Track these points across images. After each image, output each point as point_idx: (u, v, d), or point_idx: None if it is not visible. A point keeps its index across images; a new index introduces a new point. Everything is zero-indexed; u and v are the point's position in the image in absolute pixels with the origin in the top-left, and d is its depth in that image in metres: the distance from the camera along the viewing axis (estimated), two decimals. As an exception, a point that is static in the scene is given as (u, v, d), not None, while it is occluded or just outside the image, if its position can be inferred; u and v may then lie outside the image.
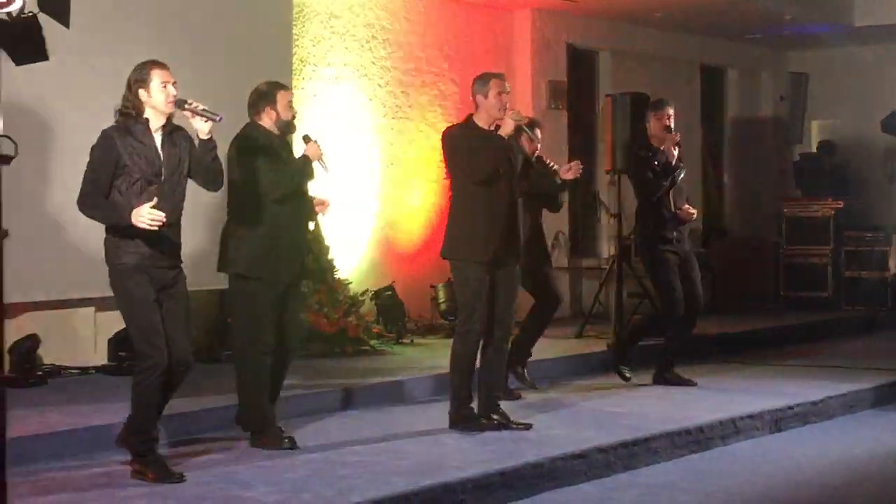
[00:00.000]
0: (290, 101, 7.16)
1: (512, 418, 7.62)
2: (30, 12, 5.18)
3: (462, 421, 7.55)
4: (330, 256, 10.59)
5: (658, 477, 7.05)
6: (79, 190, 6.21)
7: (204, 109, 6.20)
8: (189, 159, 6.34)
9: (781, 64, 16.75)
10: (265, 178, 6.92)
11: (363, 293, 10.82)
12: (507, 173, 7.43)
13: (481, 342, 7.52)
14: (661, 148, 9.29)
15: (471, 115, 7.58)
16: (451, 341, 7.77)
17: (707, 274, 14.02)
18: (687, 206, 9.49)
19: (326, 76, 11.25)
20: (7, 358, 6.39)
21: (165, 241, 6.23)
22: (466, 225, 7.43)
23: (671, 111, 9.45)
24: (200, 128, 6.23)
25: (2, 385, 5.02)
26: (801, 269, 14.95)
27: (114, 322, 9.21)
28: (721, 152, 16.31)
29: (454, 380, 7.61)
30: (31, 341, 8.52)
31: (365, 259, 11.54)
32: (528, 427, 7.57)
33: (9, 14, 5.05)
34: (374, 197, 11.74)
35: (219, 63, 9.50)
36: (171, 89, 6.19)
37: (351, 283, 10.76)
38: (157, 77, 6.16)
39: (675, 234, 9.39)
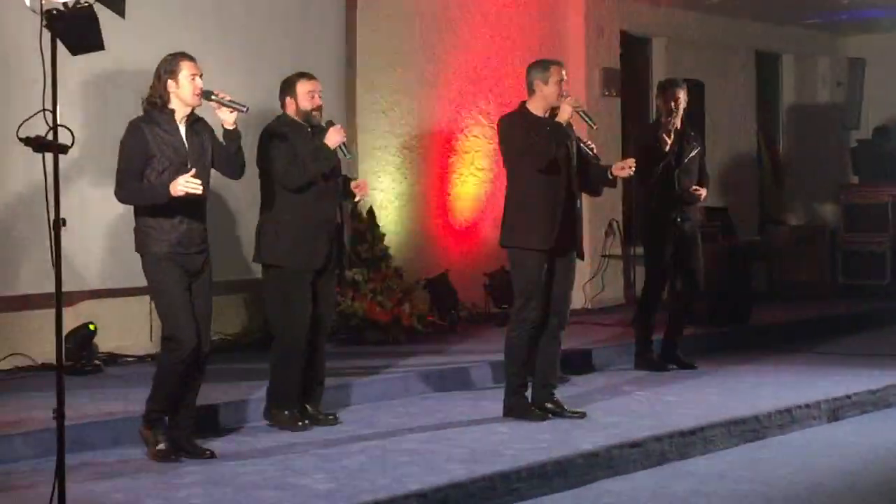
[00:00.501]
0: (312, 91, 7.20)
1: (566, 407, 7.60)
2: (86, 2, 5.21)
3: (517, 409, 7.54)
4: (384, 245, 10.61)
5: (714, 466, 7.00)
6: (116, 185, 6.35)
7: (231, 100, 6.36)
8: (212, 148, 6.48)
9: (838, 49, 16.58)
10: (278, 170, 7.06)
11: (417, 281, 10.83)
12: (564, 161, 7.41)
13: (536, 330, 7.50)
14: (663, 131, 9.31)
15: (524, 103, 7.55)
16: (504, 329, 7.76)
17: (763, 262, 13.98)
18: (696, 186, 9.37)
19: (379, 64, 11.24)
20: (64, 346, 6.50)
21: (194, 228, 6.37)
22: (525, 213, 7.40)
23: (681, 94, 9.38)
24: (226, 118, 6.41)
25: (60, 373, 5.08)
26: (858, 257, 14.78)
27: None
28: (777, 139, 16.18)
29: (508, 368, 7.60)
30: (88, 330, 8.60)
31: (418, 248, 11.53)
32: (582, 415, 7.55)
33: (65, 4, 5.09)
34: (427, 186, 11.73)
35: (273, 54, 9.53)
36: (199, 81, 6.35)
37: (405, 271, 10.77)
38: (185, 69, 6.33)
39: (677, 214, 9.30)
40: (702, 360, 9.93)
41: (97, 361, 8.48)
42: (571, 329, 10.72)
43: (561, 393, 7.78)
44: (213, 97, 6.35)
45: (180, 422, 6.51)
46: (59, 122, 5.00)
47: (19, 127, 5.01)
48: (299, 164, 7.05)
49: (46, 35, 4.95)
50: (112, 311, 8.92)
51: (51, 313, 5.09)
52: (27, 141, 5.03)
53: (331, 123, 7.19)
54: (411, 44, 11.55)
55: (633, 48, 13.95)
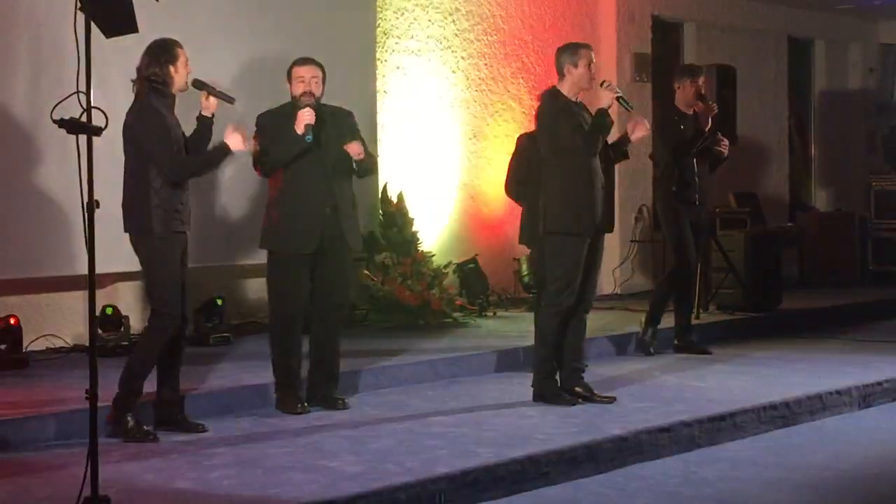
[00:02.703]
0: (302, 77, 7.17)
1: (595, 391, 7.60)
2: (119, -16, 5.23)
3: (547, 394, 7.54)
4: (414, 229, 10.62)
5: (743, 452, 6.98)
6: (168, 168, 6.43)
7: (221, 91, 6.54)
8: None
9: (870, 35, 16.47)
10: (262, 155, 7.17)
11: (446, 266, 10.83)
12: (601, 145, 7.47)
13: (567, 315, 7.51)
14: (693, 113, 9.40)
15: (555, 87, 7.54)
16: (532, 314, 7.75)
17: (793, 248, 13.93)
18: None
19: (409, 48, 11.25)
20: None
21: (185, 207, 6.52)
22: (567, 200, 7.38)
23: (701, 80, 9.52)
24: (208, 105, 6.57)
25: (92, 353, 5.10)
26: (889, 244, 14.69)
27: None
28: (808, 125, 16.09)
29: (539, 352, 7.61)
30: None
31: (448, 232, 11.54)
32: (612, 400, 7.55)
33: (99, -13, 5.11)
34: (457, 169, 11.74)
35: (301, 36, 9.53)
36: (190, 68, 6.54)
37: (434, 255, 10.78)
38: (182, 56, 6.50)
39: (696, 196, 9.42)
40: (732, 346, 9.90)
41: (125, 343, 8.53)
42: (601, 314, 10.82)
43: (589, 378, 7.76)
44: (205, 86, 6.50)
45: (168, 396, 6.63)
46: (92, 105, 5.01)
47: (53, 109, 5.03)
48: (273, 149, 7.12)
49: (80, 17, 4.96)
50: (139, 294, 8.97)
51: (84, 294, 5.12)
52: (61, 123, 5.05)
53: (301, 108, 7.10)
54: (443, 28, 11.54)
55: (665, 33, 13.90)
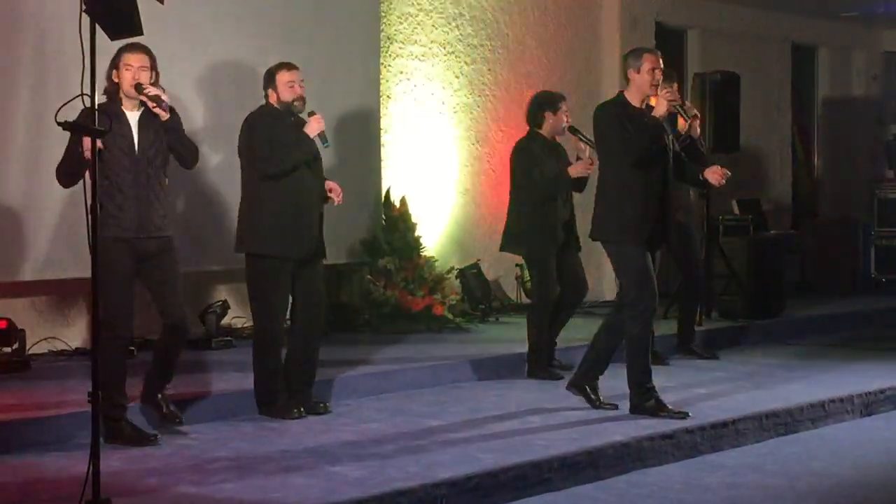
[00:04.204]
0: (291, 81, 7.16)
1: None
2: (125, -13, 5.23)
3: (653, 409, 7.29)
4: (416, 234, 10.62)
5: (745, 459, 6.98)
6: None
7: (155, 95, 6.38)
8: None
9: (874, 43, 16.47)
10: (259, 157, 7.07)
11: (449, 271, 10.83)
12: (660, 154, 7.27)
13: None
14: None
15: (621, 93, 7.44)
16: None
17: (796, 255, 13.92)
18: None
19: (413, 53, 11.25)
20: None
21: (146, 214, 6.41)
22: (619, 207, 7.27)
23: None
24: (159, 113, 6.43)
25: (94, 356, 5.10)
26: (893, 251, 14.71)
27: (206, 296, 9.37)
28: (812, 132, 16.10)
29: (636, 364, 7.35)
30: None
31: (451, 237, 11.54)
32: (615, 407, 7.53)
33: (103, -11, 5.11)
34: (460, 174, 11.73)
35: (306, 41, 9.55)
36: (136, 74, 6.40)
37: (437, 260, 10.78)
38: (123, 60, 6.41)
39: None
40: (734, 353, 9.90)
41: (131, 347, 8.51)
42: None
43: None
44: (143, 91, 6.39)
45: (159, 398, 6.61)
46: (96, 108, 5.02)
47: (58, 111, 5.03)
48: (279, 152, 7.06)
49: (85, 19, 4.97)
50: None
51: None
52: (65, 125, 5.06)
53: (312, 113, 7.18)
54: (447, 34, 11.55)
55: (668, 39, 13.89)
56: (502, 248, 8.97)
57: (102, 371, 6.28)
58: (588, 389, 7.56)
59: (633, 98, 7.34)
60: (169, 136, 6.49)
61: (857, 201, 15.78)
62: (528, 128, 8.91)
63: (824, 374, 9.08)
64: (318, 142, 7.20)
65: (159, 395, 6.64)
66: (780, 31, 15.08)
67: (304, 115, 7.24)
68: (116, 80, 6.44)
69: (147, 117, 6.45)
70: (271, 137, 7.08)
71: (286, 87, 7.17)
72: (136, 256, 6.43)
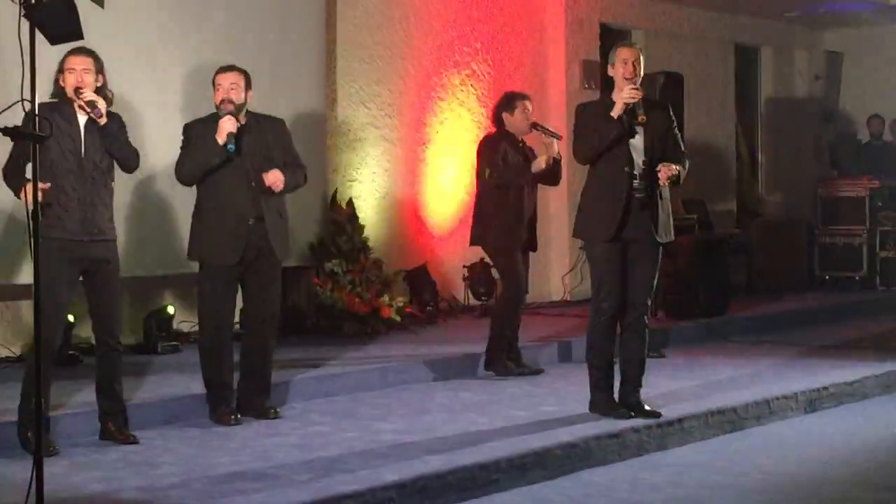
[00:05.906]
0: (220, 84, 7.09)
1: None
2: (63, -8, 5.18)
3: (603, 407, 7.29)
4: (363, 236, 10.60)
5: (691, 457, 7.02)
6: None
7: (90, 101, 6.34)
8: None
9: (817, 43, 16.64)
10: (176, 165, 7.14)
11: (396, 273, 10.83)
12: (622, 150, 7.13)
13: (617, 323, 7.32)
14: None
15: (611, 92, 7.33)
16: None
17: (740, 255, 14.02)
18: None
19: (359, 56, 11.23)
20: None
21: (91, 216, 6.37)
22: (589, 204, 7.28)
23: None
24: (93, 117, 6.38)
25: (38, 363, 5.06)
26: (836, 250, 14.86)
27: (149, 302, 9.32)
28: (756, 132, 16.22)
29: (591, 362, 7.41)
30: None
31: (398, 239, 11.54)
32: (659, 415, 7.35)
33: (43, -7, 5.07)
34: (406, 176, 11.72)
35: (251, 45, 9.49)
36: (79, 77, 6.35)
37: (384, 262, 10.77)
38: (67, 63, 6.38)
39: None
40: (679, 351, 9.97)
41: (73, 352, 8.43)
42: (551, 320, 10.87)
43: (538, 384, 7.77)
44: (80, 95, 6.34)
45: (105, 407, 6.54)
46: (36, 113, 4.98)
47: (-3, 117, 4.98)
48: (185, 158, 7.09)
49: (25, 24, 4.92)
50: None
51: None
52: (5, 131, 5.01)
53: (222, 117, 7.03)
54: (392, 35, 11.54)
55: (613, 40, 13.94)
56: (472, 243, 8.98)
57: (27, 379, 6.28)
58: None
59: (615, 94, 7.24)
60: (105, 140, 6.44)
61: (801, 200, 15.92)
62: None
63: (769, 372, 9.16)
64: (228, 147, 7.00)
65: (110, 424, 6.57)
66: (724, 31, 15.19)
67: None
68: (62, 84, 6.42)
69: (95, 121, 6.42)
70: (189, 142, 7.12)
71: (216, 90, 7.11)
72: (79, 262, 6.37)
